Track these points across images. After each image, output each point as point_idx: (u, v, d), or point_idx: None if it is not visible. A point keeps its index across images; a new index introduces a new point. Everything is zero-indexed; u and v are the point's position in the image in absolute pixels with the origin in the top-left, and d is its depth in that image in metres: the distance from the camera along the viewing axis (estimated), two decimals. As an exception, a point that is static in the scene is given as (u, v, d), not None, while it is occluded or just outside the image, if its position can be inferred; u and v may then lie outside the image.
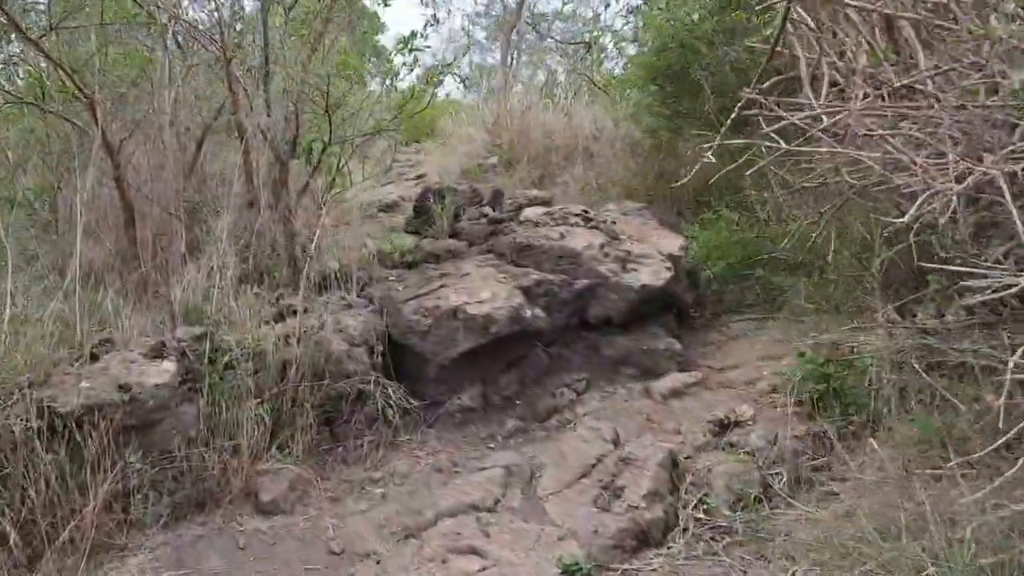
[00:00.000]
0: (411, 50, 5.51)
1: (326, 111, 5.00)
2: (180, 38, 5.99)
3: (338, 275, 5.00)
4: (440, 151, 11.51)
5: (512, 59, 13.34)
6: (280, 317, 4.43)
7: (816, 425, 3.67)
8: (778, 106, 3.20)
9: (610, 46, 13.38)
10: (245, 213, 5.10)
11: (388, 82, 5.18)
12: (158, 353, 3.71)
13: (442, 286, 4.85)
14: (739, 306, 6.10)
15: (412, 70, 5.79)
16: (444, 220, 6.21)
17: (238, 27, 5.67)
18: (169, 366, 3.63)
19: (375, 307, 4.73)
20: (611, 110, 9.99)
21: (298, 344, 4.10)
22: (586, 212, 6.37)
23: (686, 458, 3.68)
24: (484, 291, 4.76)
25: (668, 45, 7.06)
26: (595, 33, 13.87)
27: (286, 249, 5.01)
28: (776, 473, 3.43)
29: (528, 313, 4.72)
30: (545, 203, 7.72)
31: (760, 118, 3.31)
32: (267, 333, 4.07)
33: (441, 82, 5.15)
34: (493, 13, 14.59)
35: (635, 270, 5.22)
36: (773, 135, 3.08)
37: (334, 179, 5.48)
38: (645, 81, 7.78)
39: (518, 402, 4.74)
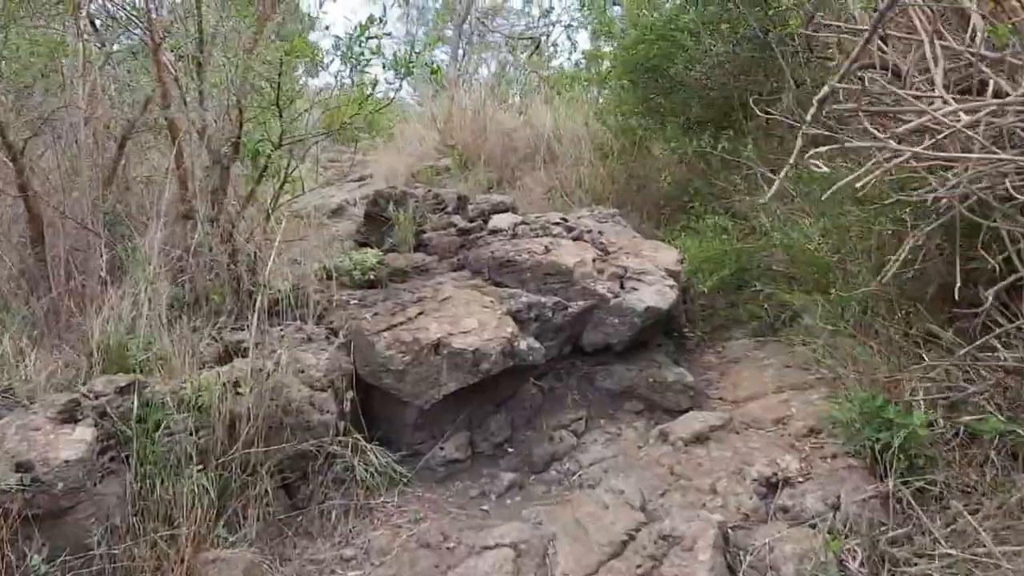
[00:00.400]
0: (369, 38, 4.75)
1: (276, 105, 4.21)
2: (97, 21, 5.10)
3: (291, 299, 4.21)
4: (386, 152, 10.70)
5: (463, 52, 12.61)
6: (225, 357, 3.64)
7: (884, 484, 3.08)
8: (871, 103, 2.59)
9: (562, 40, 12.81)
10: (178, 227, 4.26)
11: (349, 71, 4.37)
12: (70, 415, 2.89)
13: (420, 313, 4.11)
14: (733, 323, 5.55)
15: (370, 60, 5.02)
16: (408, 231, 5.47)
17: (166, 6, 4.80)
18: (85, 432, 2.80)
19: (340, 340, 3.96)
20: (572, 108, 9.38)
21: (250, 393, 3.31)
22: (566, 220, 5.72)
23: (734, 528, 3.05)
24: (469, 319, 4.05)
25: (645, 37, 6.47)
26: (544, 29, 13.27)
27: (228, 270, 4.19)
28: (850, 550, 2.83)
29: (523, 345, 4.03)
30: (511, 210, 7.06)
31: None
32: (210, 380, 3.27)
33: (411, 72, 4.39)
34: (438, 6, 13.86)
35: (636, 289, 4.58)
36: (875, 138, 2.46)
37: (283, 185, 4.67)
38: (619, 76, 7.18)
39: (510, 449, 4.06)
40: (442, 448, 3.88)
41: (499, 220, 5.81)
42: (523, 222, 5.56)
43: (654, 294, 4.54)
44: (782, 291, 4.95)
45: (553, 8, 12.86)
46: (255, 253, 4.33)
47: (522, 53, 13.01)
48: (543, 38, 13.21)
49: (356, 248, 5.69)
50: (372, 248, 5.50)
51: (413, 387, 3.79)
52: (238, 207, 4.46)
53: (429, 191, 6.45)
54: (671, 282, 4.75)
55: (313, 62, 6.00)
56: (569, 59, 11.23)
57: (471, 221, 5.74)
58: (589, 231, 5.44)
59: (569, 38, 10.84)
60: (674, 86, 6.71)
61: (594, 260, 4.82)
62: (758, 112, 4.99)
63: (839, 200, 4.04)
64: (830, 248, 4.43)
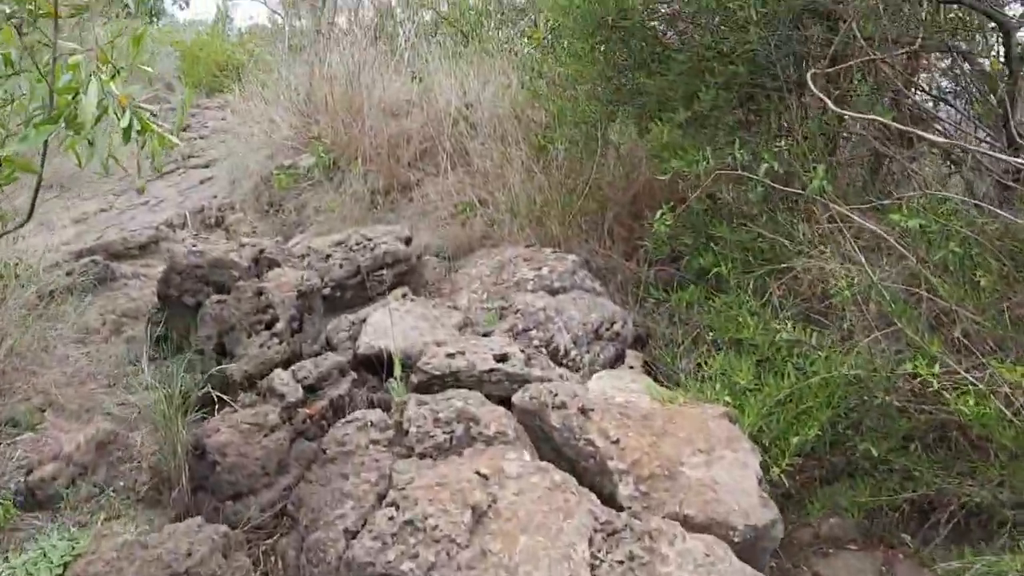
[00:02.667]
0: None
1: None
2: None
3: None
4: (245, 122, 7.59)
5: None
6: None
7: None
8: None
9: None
10: None
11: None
12: None
13: None
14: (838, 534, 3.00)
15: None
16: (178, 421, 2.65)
17: None
18: None
19: None
20: (489, 67, 6.46)
21: None
22: (504, 359, 2.98)
23: None
24: None
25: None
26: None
27: None
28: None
29: None
30: (406, 280, 4.30)
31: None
32: None
33: None
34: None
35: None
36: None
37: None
38: (568, 36, 4.35)
39: None
40: None
41: (371, 342, 3.02)
42: (435, 417, 2.75)
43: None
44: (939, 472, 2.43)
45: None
46: None
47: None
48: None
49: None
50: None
51: None
52: None
53: (248, 282, 3.59)
54: None
55: None
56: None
57: (314, 385, 2.92)
58: (557, 398, 2.69)
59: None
60: (664, 54, 3.96)
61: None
62: (823, 98, 2.52)
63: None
64: None
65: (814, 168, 3.34)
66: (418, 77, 6.72)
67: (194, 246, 3.70)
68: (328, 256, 4.42)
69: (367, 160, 5.99)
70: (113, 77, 1.47)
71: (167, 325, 3.86)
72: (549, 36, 4.81)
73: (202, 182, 7.99)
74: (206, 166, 8.89)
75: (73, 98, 1.42)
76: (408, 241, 4.75)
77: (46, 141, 1.49)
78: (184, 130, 11.68)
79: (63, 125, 1.50)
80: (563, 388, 2.74)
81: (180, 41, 16.31)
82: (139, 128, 1.53)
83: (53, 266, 4.78)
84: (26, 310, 3.78)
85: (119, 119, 1.42)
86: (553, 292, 4.02)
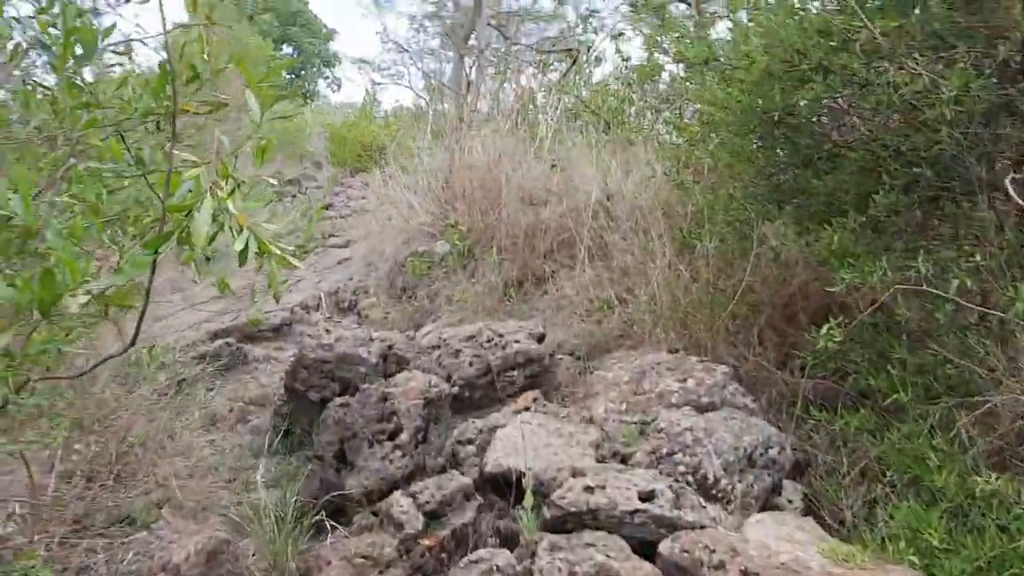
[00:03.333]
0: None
1: None
2: None
3: None
4: (371, 222, 7.71)
5: (470, 71, 9.44)
6: None
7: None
8: None
9: (608, 52, 9.66)
10: None
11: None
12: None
13: None
14: None
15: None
16: (288, 546, 2.45)
17: None
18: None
19: None
20: (631, 154, 6.23)
21: None
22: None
23: None
24: None
25: (789, 68, 3.32)
26: (584, 37, 10.07)
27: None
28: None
29: None
30: (537, 382, 4.04)
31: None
32: None
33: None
34: (445, 14, 10.75)
35: None
36: None
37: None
38: (726, 130, 4.04)
39: None
40: None
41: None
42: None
43: None
44: None
45: (595, 12, 9.64)
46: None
47: (554, 71, 9.87)
48: (584, 49, 10.06)
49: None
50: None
51: None
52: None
53: (381, 364, 3.42)
54: None
55: None
56: (623, 75, 8.01)
57: (436, 511, 2.67)
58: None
59: (618, 50, 7.63)
60: (833, 152, 3.58)
61: None
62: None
63: None
64: None
65: (1014, 286, 2.85)
66: (558, 165, 6.57)
67: (321, 340, 3.57)
68: (458, 352, 4.23)
69: (502, 249, 5.84)
70: (232, 192, 1.30)
71: (292, 419, 3.74)
72: (700, 129, 4.52)
73: (340, 262, 8.11)
74: (345, 245, 9.08)
75: (187, 215, 1.26)
76: (541, 338, 4.49)
77: (154, 260, 1.33)
78: (326, 208, 12.11)
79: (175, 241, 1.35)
80: (719, 540, 2.34)
81: (330, 123, 17.22)
82: (257, 250, 1.35)
83: (189, 346, 4.84)
84: (157, 395, 3.76)
85: (235, 239, 1.25)
86: (701, 409, 3.63)
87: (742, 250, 4.32)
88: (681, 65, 6.04)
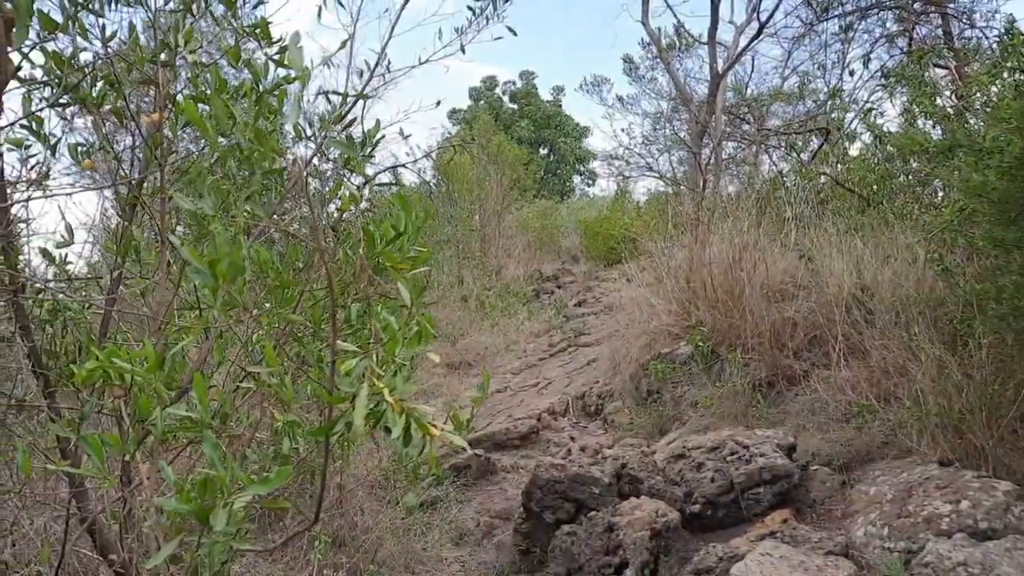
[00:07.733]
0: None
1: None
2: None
3: None
4: (618, 320, 7.79)
5: (709, 162, 9.27)
6: None
7: None
8: None
9: (858, 129, 9.09)
10: None
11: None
12: None
13: None
14: None
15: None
16: None
17: None
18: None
19: None
20: (886, 243, 5.74)
21: None
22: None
23: None
24: None
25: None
26: (836, 114, 9.58)
27: None
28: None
29: None
30: (791, 499, 3.77)
31: None
32: None
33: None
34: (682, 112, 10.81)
35: None
36: None
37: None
38: (985, 220, 3.60)
39: None
40: None
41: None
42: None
43: None
44: None
45: (843, 88, 9.14)
46: None
47: (801, 153, 9.43)
48: (835, 126, 9.56)
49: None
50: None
51: None
52: None
53: (615, 483, 3.40)
54: None
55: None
56: (876, 157, 7.44)
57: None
58: None
59: (869, 127, 7.18)
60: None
61: None
62: None
63: None
64: None
65: None
66: (806, 256, 6.23)
67: (555, 460, 3.63)
68: (700, 465, 4.07)
69: (747, 349, 5.60)
70: (395, 375, 1.39)
71: (530, 539, 3.81)
72: (956, 219, 4.06)
73: (589, 363, 8.23)
74: (596, 343, 9.21)
75: (351, 402, 1.37)
76: (791, 450, 4.20)
77: (327, 437, 1.46)
78: (578, 305, 12.41)
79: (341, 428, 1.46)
80: None
81: (584, 219, 17.83)
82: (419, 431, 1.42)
83: (442, 457, 5.13)
84: (406, 512, 4.01)
85: (394, 426, 1.33)
86: (978, 535, 3.15)
87: (1021, 345, 3.76)
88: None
